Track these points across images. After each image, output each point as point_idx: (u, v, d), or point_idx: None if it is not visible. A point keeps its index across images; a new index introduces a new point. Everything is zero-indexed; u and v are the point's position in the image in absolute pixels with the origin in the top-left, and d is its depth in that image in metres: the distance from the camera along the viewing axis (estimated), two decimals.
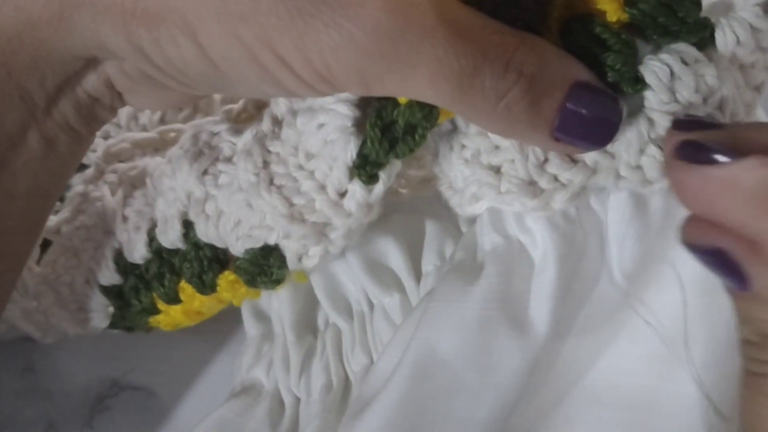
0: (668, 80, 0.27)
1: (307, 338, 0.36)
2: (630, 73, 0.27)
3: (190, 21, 0.25)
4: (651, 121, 0.27)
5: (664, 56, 0.27)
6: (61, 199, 0.38)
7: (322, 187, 0.30)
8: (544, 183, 0.29)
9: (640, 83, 0.27)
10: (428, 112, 0.28)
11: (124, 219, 0.35)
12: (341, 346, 0.36)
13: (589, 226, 0.30)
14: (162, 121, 0.41)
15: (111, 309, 0.37)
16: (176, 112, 0.40)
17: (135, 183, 0.36)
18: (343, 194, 0.30)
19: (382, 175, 0.30)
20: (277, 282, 0.33)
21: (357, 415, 0.30)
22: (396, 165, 0.30)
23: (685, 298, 0.29)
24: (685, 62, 0.27)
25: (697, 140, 0.24)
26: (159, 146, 0.37)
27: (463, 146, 0.30)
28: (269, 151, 0.31)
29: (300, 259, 0.32)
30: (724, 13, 0.27)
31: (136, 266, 0.35)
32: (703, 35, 0.27)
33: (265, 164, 0.31)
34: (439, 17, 0.24)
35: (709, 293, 0.29)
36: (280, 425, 0.36)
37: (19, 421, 0.40)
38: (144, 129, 0.40)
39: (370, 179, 0.30)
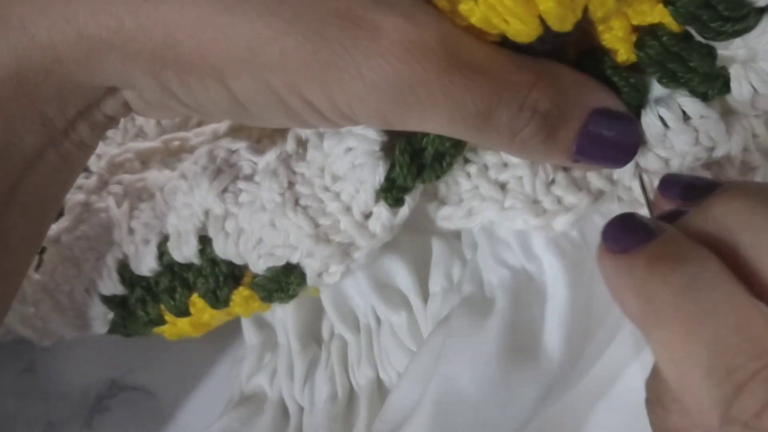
0: (660, 135, 0.27)
1: (311, 348, 0.37)
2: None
3: (221, 68, 0.26)
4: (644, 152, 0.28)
5: (662, 110, 0.27)
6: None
7: (348, 209, 0.31)
8: (547, 203, 0.30)
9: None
10: (457, 141, 0.29)
11: (131, 231, 0.35)
12: (346, 357, 0.36)
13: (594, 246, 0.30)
14: (159, 123, 0.40)
15: (110, 316, 0.37)
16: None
17: (141, 195, 0.35)
18: (368, 216, 0.31)
19: (408, 198, 0.30)
20: (293, 297, 0.34)
21: None
22: (420, 188, 0.31)
23: None
24: (687, 116, 0.27)
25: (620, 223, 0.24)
26: (163, 155, 0.37)
27: (467, 161, 0.31)
28: (294, 172, 0.32)
29: (320, 275, 0.32)
30: (744, 61, 0.27)
31: (143, 278, 0.35)
32: (713, 85, 0.27)
33: (290, 185, 0.32)
34: (456, 61, 0.25)
35: None
36: None
37: (18, 421, 0.40)
38: (141, 130, 0.40)
39: (396, 202, 0.30)
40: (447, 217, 0.31)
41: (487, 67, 0.25)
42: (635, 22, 0.26)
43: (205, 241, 0.33)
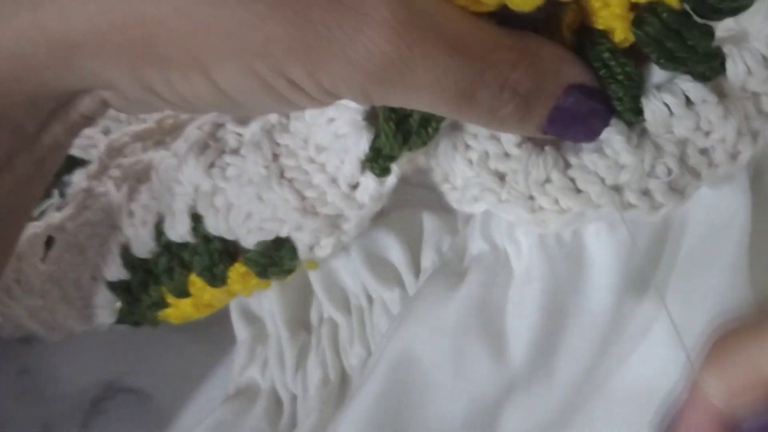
0: (665, 120, 0.27)
1: (300, 335, 0.37)
2: (631, 104, 0.27)
3: (203, 60, 0.25)
4: (657, 146, 0.28)
5: (666, 95, 0.27)
6: (62, 195, 0.38)
7: (334, 180, 0.31)
8: (543, 202, 0.29)
9: (641, 114, 0.27)
10: None
11: (130, 214, 0.35)
12: (337, 340, 0.36)
13: (580, 254, 0.30)
14: None
15: (118, 305, 0.37)
16: None
17: (140, 177, 0.35)
18: (354, 186, 0.31)
19: (395, 167, 0.30)
20: (289, 271, 0.33)
21: (343, 408, 0.31)
22: (407, 156, 0.30)
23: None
24: (690, 101, 0.27)
25: None
26: (159, 135, 0.37)
27: (468, 147, 0.30)
28: (278, 144, 0.31)
29: (311, 249, 0.32)
30: (737, 42, 0.27)
31: (144, 261, 0.35)
32: (712, 65, 0.27)
33: (275, 157, 0.31)
34: (441, 40, 0.24)
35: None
36: (279, 422, 0.36)
37: (14, 424, 0.40)
38: (144, 121, 0.40)
39: (383, 172, 0.30)
40: (456, 201, 0.31)
41: (470, 45, 0.25)
42: None
43: (197, 218, 0.33)
